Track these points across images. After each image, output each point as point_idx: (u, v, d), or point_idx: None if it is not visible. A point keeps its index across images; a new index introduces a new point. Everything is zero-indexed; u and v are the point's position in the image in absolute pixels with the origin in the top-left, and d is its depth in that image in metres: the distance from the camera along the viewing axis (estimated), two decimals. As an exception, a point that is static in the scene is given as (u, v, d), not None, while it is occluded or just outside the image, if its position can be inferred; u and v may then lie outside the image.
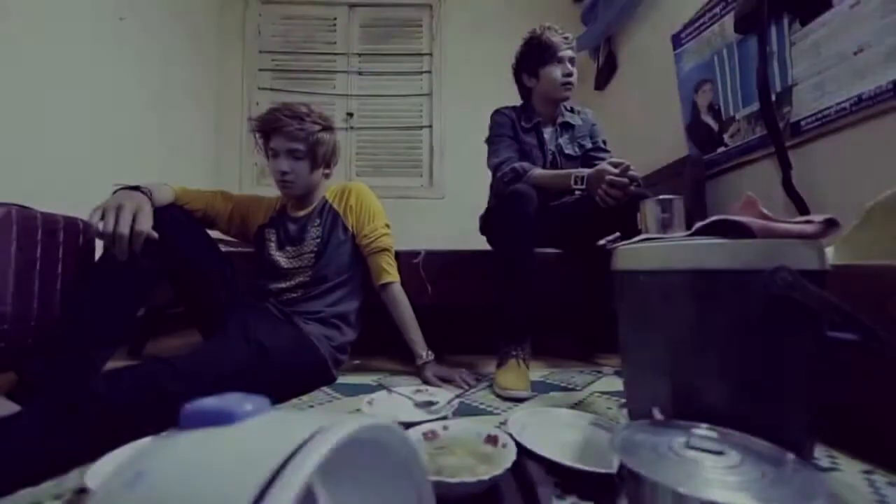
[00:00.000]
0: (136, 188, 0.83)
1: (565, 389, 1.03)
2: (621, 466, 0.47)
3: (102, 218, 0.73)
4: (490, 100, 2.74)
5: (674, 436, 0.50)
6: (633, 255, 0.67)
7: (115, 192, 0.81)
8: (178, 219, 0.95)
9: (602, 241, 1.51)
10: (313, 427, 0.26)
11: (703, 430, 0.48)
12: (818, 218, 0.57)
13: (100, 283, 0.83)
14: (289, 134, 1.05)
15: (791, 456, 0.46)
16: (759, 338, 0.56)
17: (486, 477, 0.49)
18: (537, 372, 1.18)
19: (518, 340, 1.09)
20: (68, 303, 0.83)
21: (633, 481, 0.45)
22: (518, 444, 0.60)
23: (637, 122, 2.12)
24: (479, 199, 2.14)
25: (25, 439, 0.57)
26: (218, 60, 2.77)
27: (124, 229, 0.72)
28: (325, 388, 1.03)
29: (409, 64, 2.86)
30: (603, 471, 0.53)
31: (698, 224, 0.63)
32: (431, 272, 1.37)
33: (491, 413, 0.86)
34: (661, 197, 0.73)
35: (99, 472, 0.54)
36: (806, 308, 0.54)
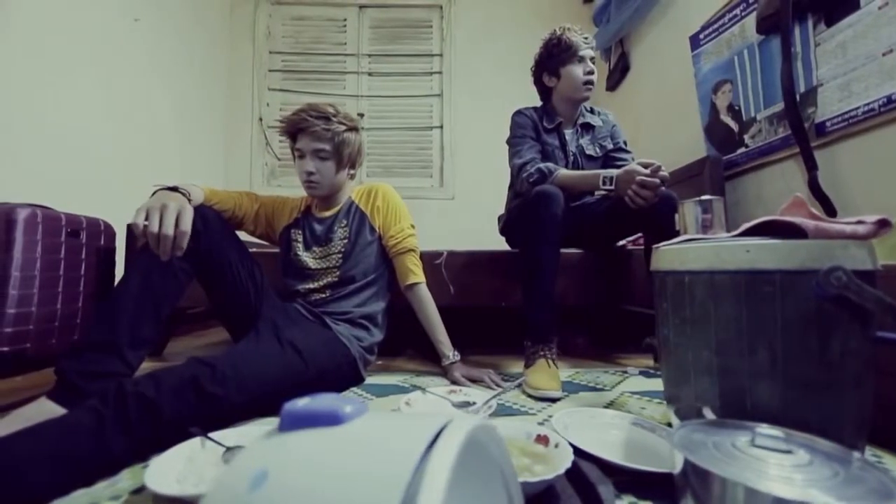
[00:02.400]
0: (175, 189, 0.83)
1: (594, 389, 1.03)
2: (686, 464, 0.47)
3: (147, 218, 0.73)
4: (500, 100, 2.75)
5: (735, 435, 0.50)
6: (677, 255, 0.67)
7: (154, 193, 0.81)
8: (210, 219, 0.95)
9: (622, 242, 1.51)
10: (431, 427, 0.26)
11: (766, 428, 0.48)
12: (870, 218, 0.57)
13: (137, 284, 0.83)
14: (315, 134, 1.05)
15: (857, 455, 0.46)
16: (812, 337, 0.56)
17: (549, 476, 0.49)
18: (562, 372, 1.17)
19: (545, 340, 1.09)
20: (105, 303, 0.82)
21: (699, 479, 0.46)
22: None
23: (650, 123, 2.13)
24: (490, 199, 2.15)
25: (78, 441, 0.57)
26: (228, 61, 2.77)
27: (169, 230, 0.72)
28: (354, 389, 1.03)
29: (420, 65, 2.86)
30: (662, 470, 0.53)
31: (746, 224, 0.63)
32: (452, 272, 1.37)
33: (526, 413, 0.86)
34: (702, 198, 0.73)
35: (157, 473, 0.54)
36: (858, 308, 0.55)
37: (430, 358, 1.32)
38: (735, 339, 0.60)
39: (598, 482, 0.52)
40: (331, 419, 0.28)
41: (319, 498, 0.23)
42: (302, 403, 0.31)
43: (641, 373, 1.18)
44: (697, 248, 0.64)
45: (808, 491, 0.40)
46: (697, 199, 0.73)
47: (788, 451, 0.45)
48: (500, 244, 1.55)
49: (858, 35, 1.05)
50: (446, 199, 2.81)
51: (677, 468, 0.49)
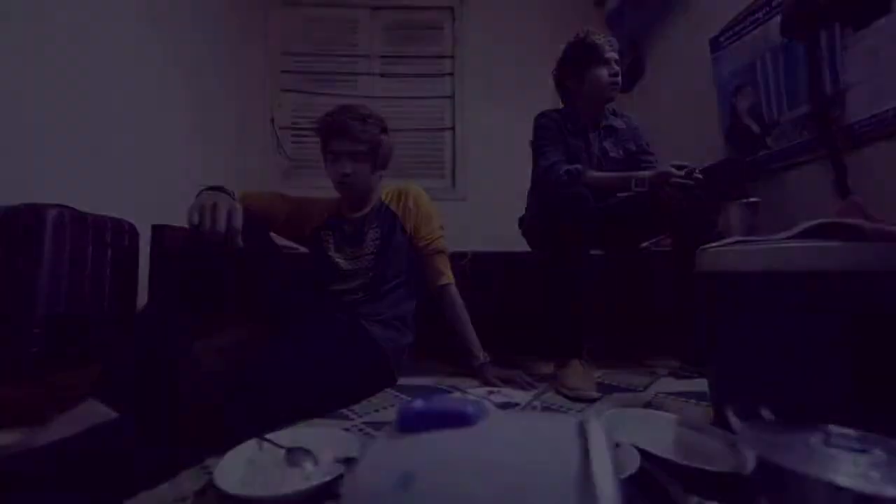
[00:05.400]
0: (221, 188, 0.83)
1: (627, 390, 1.04)
2: (760, 463, 0.48)
3: (199, 217, 0.73)
4: (512, 102, 2.76)
5: (805, 435, 0.50)
6: (730, 256, 0.68)
7: (200, 193, 0.81)
8: (248, 219, 0.94)
9: (646, 244, 1.52)
10: (568, 425, 0.27)
11: (838, 428, 0.48)
12: (929, 220, 0.58)
13: (178, 285, 0.83)
14: (352, 136, 1.05)
15: (934, 455, 0.46)
16: (875, 338, 0.57)
17: (621, 476, 0.49)
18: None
19: (576, 341, 1.09)
20: (148, 304, 0.82)
21: (775, 478, 0.46)
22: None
23: (665, 125, 2.13)
24: (503, 200, 2.14)
25: (140, 443, 0.57)
26: (240, 62, 2.77)
27: (222, 227, 0.73)
28: (388, 390, 1.03)
29: (431, 66, 2.87)
30: (731, 470, 0.54)
31: (802, 226, 0.63)
32: (477, 273, 1.38)
33: (564, 414, 0.86)
34: (749, 200, 0.74)
35: (223, 475, 0.54)
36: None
37: (455, 359, 1.32)
38: (794, 341, 0.60)
39: (665, 482, 0.53)
40: (462, 419, 0.29)
41: (485, 497, 0.23)
42: (420, 404, 0.31)
43: (670, 374, 1.18)
44: (753, 249, 0.65)
45: (891, 488, 0.41)
46: (745, 200, 0.74)
47: (864, 451, 0.46)
48: (514, 245, 1.55)
49: (890, 38, 1.06)
50: (458, 200, 2.81)
51: (749, 467, 0.50)
